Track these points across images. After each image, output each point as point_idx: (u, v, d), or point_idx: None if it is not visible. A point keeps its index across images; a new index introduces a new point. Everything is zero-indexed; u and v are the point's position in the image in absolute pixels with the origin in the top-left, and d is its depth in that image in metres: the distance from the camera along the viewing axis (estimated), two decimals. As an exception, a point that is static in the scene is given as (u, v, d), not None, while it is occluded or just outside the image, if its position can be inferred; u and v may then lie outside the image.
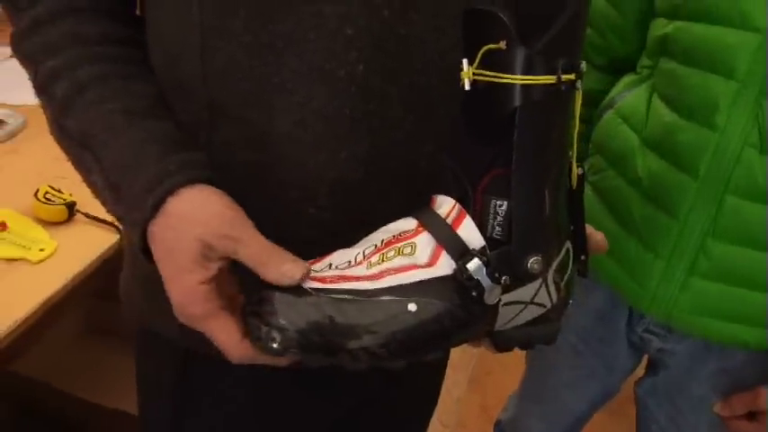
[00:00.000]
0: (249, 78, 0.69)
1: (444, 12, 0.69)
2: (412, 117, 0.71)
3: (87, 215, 1.32)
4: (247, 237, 0.61)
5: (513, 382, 1.54)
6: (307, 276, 0.59)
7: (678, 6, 0.96)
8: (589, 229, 0.70)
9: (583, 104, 1.15)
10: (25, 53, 0.73)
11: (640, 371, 1.32)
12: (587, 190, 1.13)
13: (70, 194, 1.32)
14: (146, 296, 0.85)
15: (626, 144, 1.05)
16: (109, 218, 1.31)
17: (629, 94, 1.08)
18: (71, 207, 1.31)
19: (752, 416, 1.08)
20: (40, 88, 0.72)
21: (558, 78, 0.56)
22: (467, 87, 0.58)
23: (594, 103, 1.16)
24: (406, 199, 0.72)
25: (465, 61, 0.58)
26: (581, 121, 1.17)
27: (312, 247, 0.70)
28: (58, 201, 1.30)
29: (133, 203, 0.65)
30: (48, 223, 1.30)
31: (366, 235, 0.66)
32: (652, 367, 1.24)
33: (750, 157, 0.93)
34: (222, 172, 0.68)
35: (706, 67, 0.93)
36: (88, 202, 1.28)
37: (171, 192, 0.63)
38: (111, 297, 1.70)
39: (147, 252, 0.65)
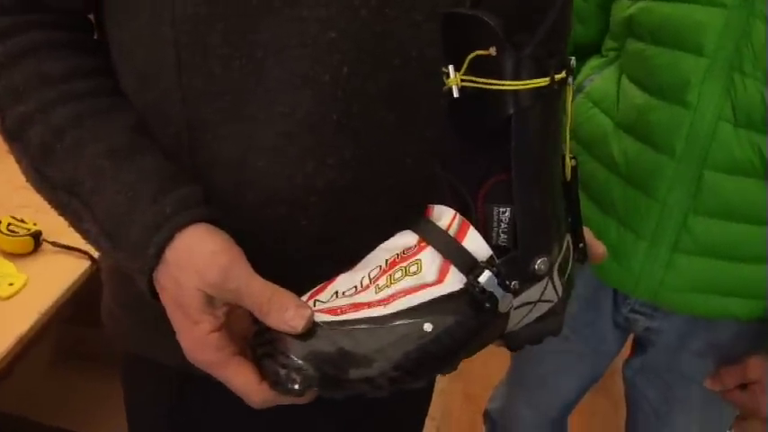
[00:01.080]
0: (229, 92, 0.67)
1: (417, 5, 0.68)
2: (394, 115, 0.70)
3: (54, 243, 1.28)
4: (245, 285, 0.59)
5: (495, 368, 1.55)
6: (311, 322, 0.57)
7: (642, -14, 0.96)
8: (589, 236, 0.70)
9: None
10: None
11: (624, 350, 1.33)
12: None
13: (34, 224, 1.28)
14: (135, 323, 0.83)
15: (599, 128, 1.05)
16: (78, 244, 1.28)
17: (597, 78, 1.08)
18: (37, 237, 1.27)
19: (743, 386, 1.09)
20: (11, 135, 0.68)
21: (552, 79, 0.55)
22: (455, 95, 0.56)
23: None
24: (396, 201, 0.71)
25: (451, 67, 0.56)
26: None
27: (305, 260, 0.70)
28: (22, 231, 1.26)
29: (134, 252, 0.63)
30: (14, 256, 1.25)
31: (356, 241, 0.65)
32: (639, 346, 1.25)
33: (725, 131, 0.94)
34: (207, 194, 0.67)
35: (674, 46, 0.94)
36: (54, 229, 1.26)
37: (170, 239, 0.61)
38: (80, 322, 1.67)
39: (155, 295, 0.64)
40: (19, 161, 0.70)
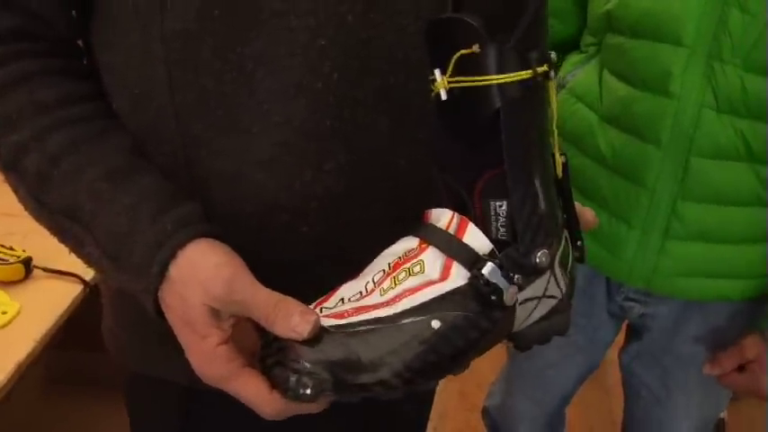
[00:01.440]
0: (222, 107, 0.68)
1: (402, 10, 0.69)
2: (386, 118, 0.71)
3: (46, 269, 1.27)
4: (250, 296, 0.60)
5: (489, 365, 1.55)
6: (317, 327, 0.57)
7: (618, -18, 0.98)
8: (577, 206, 0.71)
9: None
10: None
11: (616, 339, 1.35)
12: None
13: (23, 250, 1.27)
14: (138, 342, 0.83)
15: (584, 122, 1.07)
16: (69, 269, 1.28)
17: (578, 73, 1.10)
18: (27, 264, 1.26)
19: (741, 368, 1.11)
20: (7, 165, 0.68)
21: (534, 71, 0.57)
22: (444, 97, 0.58)
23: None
24: (393, 202, 0.73)
25: (437, 71, 0.58)
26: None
27: (307, 265, 0.71)
28: (12, 259, 1.25)
29: (137, 272, 0.63)
30: (5, 284, 1.24)
31: (356, 242, 0.66)
32: (635, 333, 1.27)
33: (708, 117, 0.96)
34: (207, 209, 0.67)
35: (654, 38, 0.96)
36: (44, 254, 1.25)
37: (172, 256, 0.62)
38: (71, 346, 1.66)
39: (161, 314, 0.64)
40: (16, 190, 0.70)
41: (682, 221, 1.02)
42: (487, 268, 0.58)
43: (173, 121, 0.69)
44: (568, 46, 1.16)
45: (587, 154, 1.08)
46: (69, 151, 0.67)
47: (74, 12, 0.72)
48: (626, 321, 1.28)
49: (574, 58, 1.13)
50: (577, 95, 1.09)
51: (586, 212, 0.72)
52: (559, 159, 0.65)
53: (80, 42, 0.75)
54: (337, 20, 0.66)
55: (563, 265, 0.65)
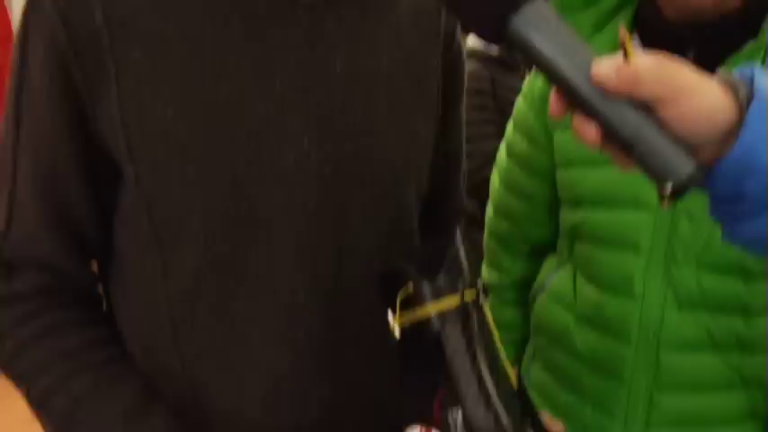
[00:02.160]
0: (219, 356, 0.79)
1: (372, 262, 0.80)
2: (365, 353, 0.82)
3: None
4: None
5: None
6: None
7: (580, 195, 1.10)
8: (545, 417, 0.79)
9: (516, 289, 1.27)
10: (16, 374, 0.80)
11: None
12: (539, 369, 1.22)
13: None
14: None
15: (561, 324, 1.16)
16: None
17: (555, 276, 1.19)
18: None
19: None
20: (37, 404, 0.79)
21: (462, 296, 0.68)
22: (397, 336, 0.69)
23: (527, 287, 1.28)
24: (376, 423, 0.83)
25: (390, 314, 0.70)
26: (519, 304, 1.27)
27: None
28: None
29: None
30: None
31: None
32: None
33: (672, 316, 1.04)
34: None
35: (614, 247, 1.07)
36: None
37: None
38: None
39: None
40: (44, 426, 0.80)
41: (660, 411, 1.08)
42: None
43: (178, 366, 0.80)
44: (547, 247, 1.26)
45: (567, 351, 1.15)
46: (90, 395, 0.77)
47: (94, 267, 0.84)
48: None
49: (550, 262, 1.23)
50: (554, 298, 1.18)
51: (554, 426, 0.80)
52: (512, 372, 0.75)
53: (100, 288, 0.87)
54: (313, 275, 0.78)
55: None
